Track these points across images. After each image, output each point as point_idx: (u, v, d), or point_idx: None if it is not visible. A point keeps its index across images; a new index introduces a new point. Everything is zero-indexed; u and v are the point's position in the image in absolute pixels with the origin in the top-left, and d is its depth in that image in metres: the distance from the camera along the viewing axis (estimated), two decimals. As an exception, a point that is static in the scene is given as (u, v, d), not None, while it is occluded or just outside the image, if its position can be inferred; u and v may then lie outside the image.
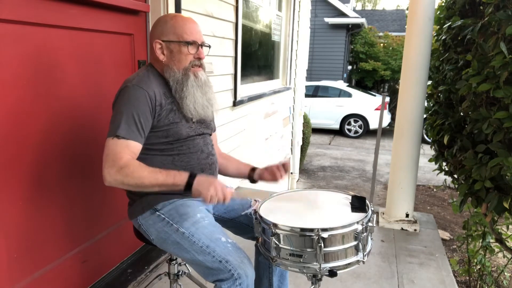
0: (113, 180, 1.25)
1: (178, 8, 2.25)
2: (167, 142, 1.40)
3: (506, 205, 1.97)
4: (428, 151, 6.54)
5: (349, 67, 15.30)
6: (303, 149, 6.61)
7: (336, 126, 10.27)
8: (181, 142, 1.42)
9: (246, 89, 3.70)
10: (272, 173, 1.58)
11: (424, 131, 3.42)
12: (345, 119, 10.19)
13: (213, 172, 1.54)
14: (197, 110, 1.43)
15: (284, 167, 1.57)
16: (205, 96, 1.45)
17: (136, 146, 1.31)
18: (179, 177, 1.29)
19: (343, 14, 13.84)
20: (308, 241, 1.20)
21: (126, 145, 1.28)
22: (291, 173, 5.53)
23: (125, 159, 1.26)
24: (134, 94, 1.32)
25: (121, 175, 1.25)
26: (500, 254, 3.11)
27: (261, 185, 4.26)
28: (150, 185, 1.28)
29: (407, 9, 2.97)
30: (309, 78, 8.82)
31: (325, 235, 1.18)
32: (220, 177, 1.69)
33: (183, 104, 1.40)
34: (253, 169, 1.65)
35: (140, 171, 1.26)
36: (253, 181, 1.65)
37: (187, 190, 1.29)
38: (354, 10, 19.23)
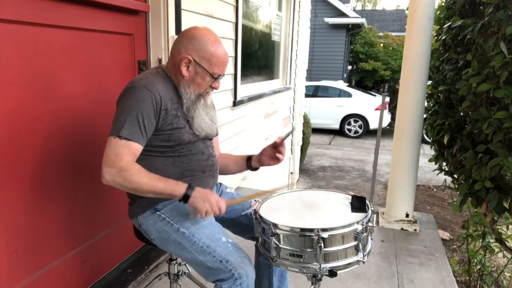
0: (111, 180, 1.25)
1: (178, 8, 2.25)
2: (168, 146, 1.40)
3: (506, 205, 1.97)
4: (428, 151, 6.54)
5: (349, 67, 15.30)
6: (303, 149, 6.61)
7: (336, 126, 10.28)
8: (182, 146, 1.42)
9: (246, 89, 3.70)
10: (271, 156, 1.58)
11: (424, 131, 3.42)
12: (345, 119, 10.19)
13: (214, 174, 1.54)
14: (203, 129, 1.46)
15: (279, 145, 1.56)
16: (208, 116, 1.49)
17: (137, 148, 1.31)
18: (177, 188, 1.29)
19: (343, 14, 13.84)
20: (308, 241, 1.20)
21: (127, 146, 1.28)
22: (291, 173, 5.53)
23: (125, 161, 1.25)
24: (140, 95, 1.31)
25: (120, 177, 1.24)
26: (500, 254, 3.11)
27: (261, 185, 4.26)
28: (148, 191, 1.28)
29: (407, 9, 2.97)
30: (309, 78, 8.81)
31: (325, 235, 1.18)
32: (223, 177, 1.70)
33: (193, 123, 1.43)
34: (249, 159, 1.65)
35: (139, 177, 1.26)
36: (254, 169, 1.65)
37: (184, 201, 1.30)
38: (354, 10, 19.22)
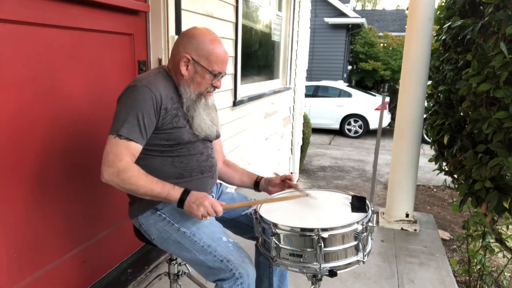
0: (109, 179, 1.27)
1: (178, 8, 2.25)
2: (167, 145, 1.40)
3: (506, 205, 1.97)
4: (428, 151, 6.54)
5: (349, 67, 15.30)
6: (303, 149, 6.61)
7: (336, 126, 10.27)
8: (181, 146, 1.42)
9: (246, 89, 3.70)
10: (278, 187, 1.59)
11: (424, 131, 3.42)
12: (345, 119, 10.19)
13: (213, 174, 1.54)
14: (203, 129, 1.46)
15: (290, 181, 1.57)
16: (209, 117, 1.48)
17: (136, 148, 1.31)
18: (173, 193, 1.30)
19: (343, 14, 13.84)
20: (308, 241, 1.20)
21: (126, 146, 1.28)
22: (291, 173, 5.53)
23: (124, 162, 1.26)
24: (141, 94, 1.32)
25: (118, 178, 1.26)
26: (500, 254, 3.11)
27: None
28: (144, 193, 1.30)
29: (407, 9, 2.97)
30: (309, 78, 8.81)
31: (325, 235, 1.18)
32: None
33: (193, 123, 1.43)
34: (257, 183, 1.65)
35: (137, 179, 1.27)
36: (258, 190, 1.67)
37: (179, 206, 1.31)
38: (354, 10, 19.22)
